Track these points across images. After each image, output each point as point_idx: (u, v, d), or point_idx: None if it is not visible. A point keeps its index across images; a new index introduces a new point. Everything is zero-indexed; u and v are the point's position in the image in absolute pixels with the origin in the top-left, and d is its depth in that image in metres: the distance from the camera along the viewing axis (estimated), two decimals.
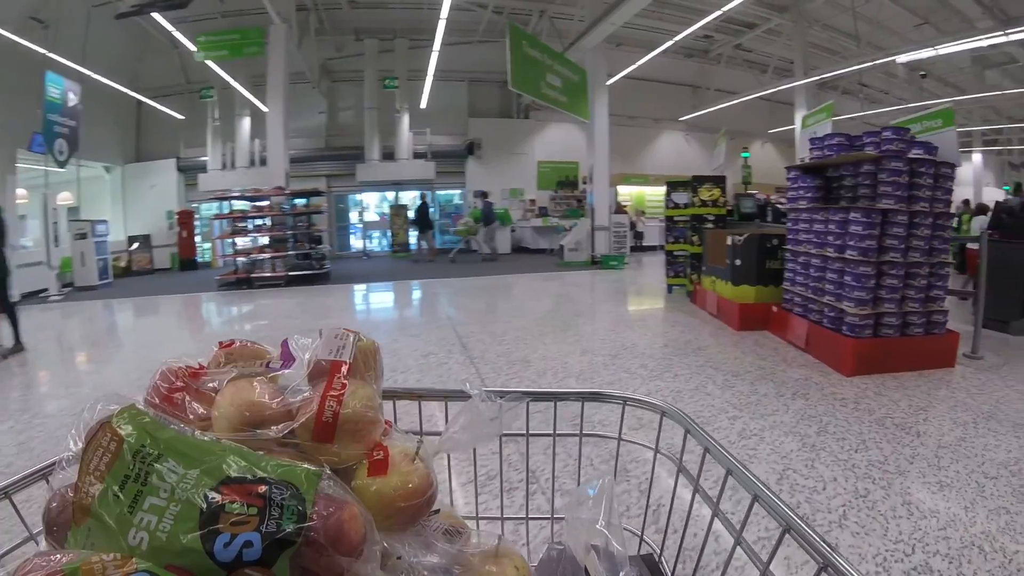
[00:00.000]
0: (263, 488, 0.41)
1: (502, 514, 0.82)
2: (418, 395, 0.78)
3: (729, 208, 7.89)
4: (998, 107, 16.59)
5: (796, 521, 0.47)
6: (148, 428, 0.43)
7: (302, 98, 13.37)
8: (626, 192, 15.78)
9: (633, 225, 13.64)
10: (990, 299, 4.35)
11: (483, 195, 12.93)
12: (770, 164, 17.95)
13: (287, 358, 0.60)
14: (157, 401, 0.56)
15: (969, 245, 7.04)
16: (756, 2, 11.25)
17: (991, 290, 4.34)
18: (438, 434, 0.61)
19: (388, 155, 14.07)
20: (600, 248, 10.80)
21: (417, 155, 14.19)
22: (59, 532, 0.43)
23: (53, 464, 0.52)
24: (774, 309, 4.72)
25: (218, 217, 9.81)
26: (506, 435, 0.73)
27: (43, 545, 0.47)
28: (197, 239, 13.22)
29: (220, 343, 0.66)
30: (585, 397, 0.79)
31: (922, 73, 13.95)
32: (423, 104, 13.56)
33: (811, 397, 3.16)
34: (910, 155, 3.81)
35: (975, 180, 18.67)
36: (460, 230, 12.74)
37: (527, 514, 0.82)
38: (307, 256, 9.63)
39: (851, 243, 3.80)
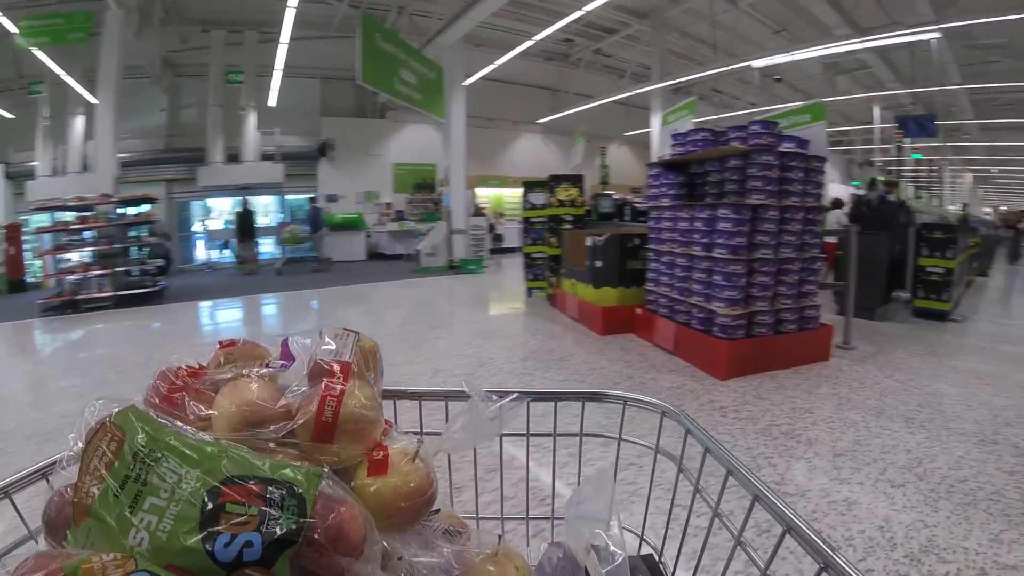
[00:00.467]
0: (263, 488, 0.41)
1: (502, 514, 0.82)
2: (418, 395, 0.78)
3: (587, 208, 7.80)
4: (845, 111, 17.89)
5: (796, 522, 0.47)
6: (148, 428, 0.43)
7: (141, 94, 12.03)
8: (485, 194, 15.48)
9: (492, 227, 13.14)
10: (855, 288, 4.41)
11: (312, 200, 12.05)
12: (626, 166, 18.66)
13: (287, 358, 0.60)
14: (157, 401, 0.56)
15: (827, 239, 7.18)
16: (617, 8, 11.21)
17: (856, 281, 4.41)
18: (438, 434, 0.61)
19: (233, 157, 12.78)
20: (458, 252, 10.39)
21: (265, 157, 12.98)
22: (59, 532, 0.43)
23: (53, 463, 0.52)
24: (638, 311, 4.59)
25: (41, 231, 8.47)
26: (506, 435, 0.73)
27: (43, 544, 0.47)
28: (27, 256, 10.87)
29: (220, 343, 0.66)
30: (585, 397, 0.79)
31: (777, 77, 14.28)
32: (272, 102, 12.54)
33: (688, 407, 3.02)
34: (780, 148, 3.72)
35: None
36: (286, 239, 12.02)
37: (527, 514, 0.82)
38: (141, 272, 8.43)
39: (720, 241, 3.62)
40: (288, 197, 14.10)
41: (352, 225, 13.17)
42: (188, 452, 0.42)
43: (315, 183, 13.98)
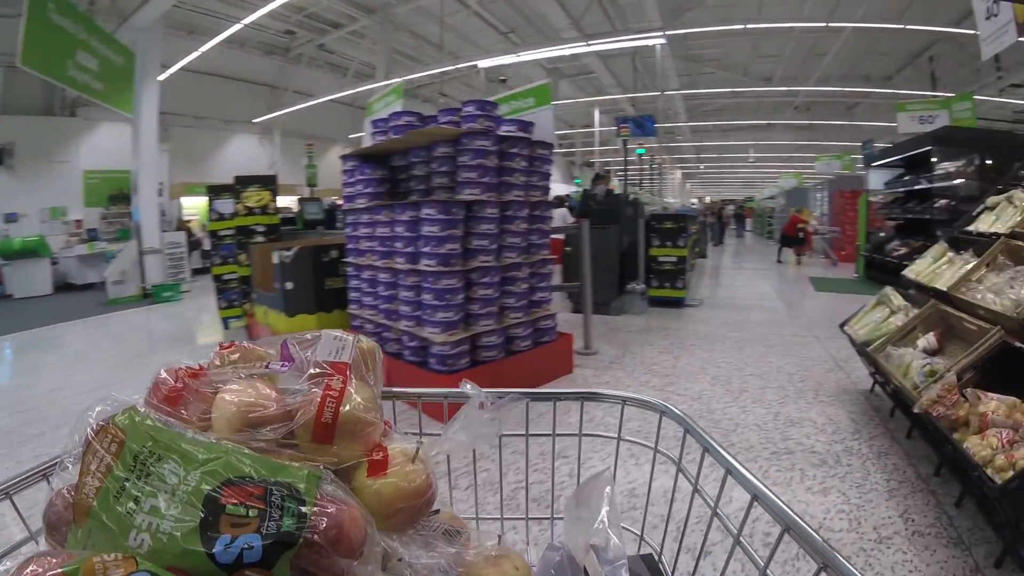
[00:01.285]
0: (263, 489, 0.41)
1: (502, 514, 0.83)
2: (418, 396, 0.78)
3: (288, 216, 6.86)
4: (567, 117, 18.68)
5: (796, 521, 0.47)
6: (149, 430, 0.43)
7: None
8: (192, 204, 12.99)
9: (199, 243, 11.19)
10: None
11: None
12: None
13: (287, 359, 0.60)
14: (157, 402, 0.56)
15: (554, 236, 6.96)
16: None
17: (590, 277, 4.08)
18: (438, 435, 0.61)
19: None
20: (152, 276, 8.34)
21: None
22: (60, 532, 0.43)
23: (54, 464, 0.53)
24: None
25: None
26: (505, 435, 0.73)
27: (43, 545, 0.47)
28: None
29: (220, 344, 0.66)
30: (584, 397, 0.79)
31: (503, 78, 14.28)
32: None
33: None
34: (500, 132, 3.15)
35: None
36: None
37: (527, 514, 0.82)
38: None
39: (427, 249, 2.91)
40: None
41: (32, 251, 9.60)
42: (188, 453, 0.42)
43: None
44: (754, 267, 11.16)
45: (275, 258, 4.11)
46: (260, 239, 5.39)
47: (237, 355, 0.64)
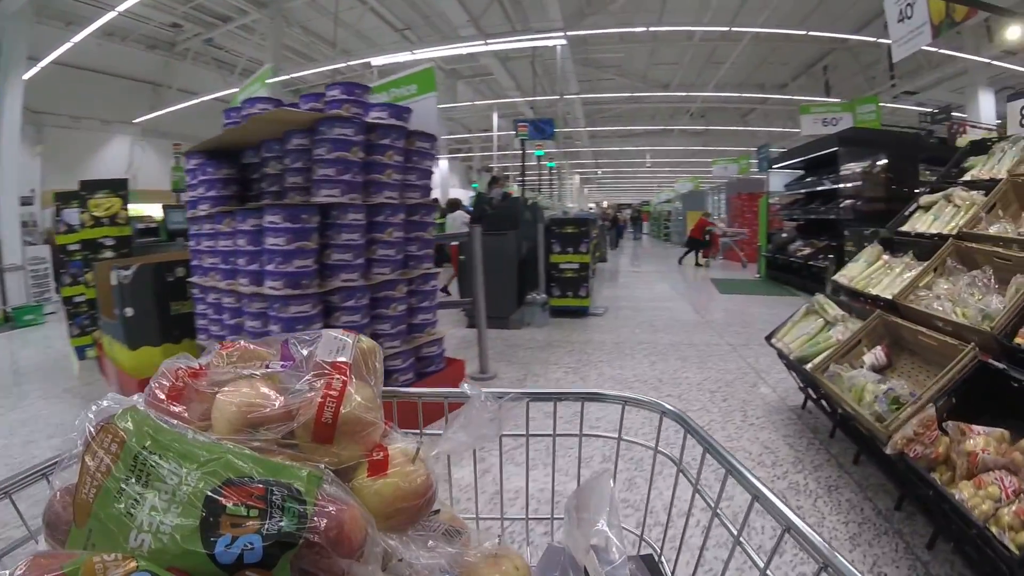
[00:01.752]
0: (264, 490, 0.41)
1: (502, 514, 0.83)
2: (418, 396, 0.78)
3: (146, 226, 6.13)
4: (466, 121, 18.48)
5: (796, 522, 0.47)
6: (149, 429, 0.43)
7: None
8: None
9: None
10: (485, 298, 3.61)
11: None
12: None
13: (287, 359, 0.60)
14: (157, 402, 0.56)
15: (452, 243, 6.46)
16: None
17: (485, 288, 3.60)
18: (438, 435, 0.61)
19: None
20: (15, 298, 7.26)
21: None
22: (60, 532, 0.43)
23: (54, 463, 0.53)
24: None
25: None
26: (506, 435, 0.73)
27: (43, 545, 0.47)
28: None
29: (221, 344, 0.66)
30: (585, 397, 0.79)
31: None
32: None
33: None
34: (369, 119, 2.61)
35: (442, 184, 19.51)
36: None
37: (527, 514, 0.82)
38: None
39: (271, 267, 2.33)
40: None
41: None
42: (189, 453, 0.42)
43: None
44: (655, 269, 11.26)
45: (113, 279, 3.34)
46: (109, 254, 4.57)
47: (237, 355, 0.64)
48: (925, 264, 2.24)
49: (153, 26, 10.94)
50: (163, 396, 0.56)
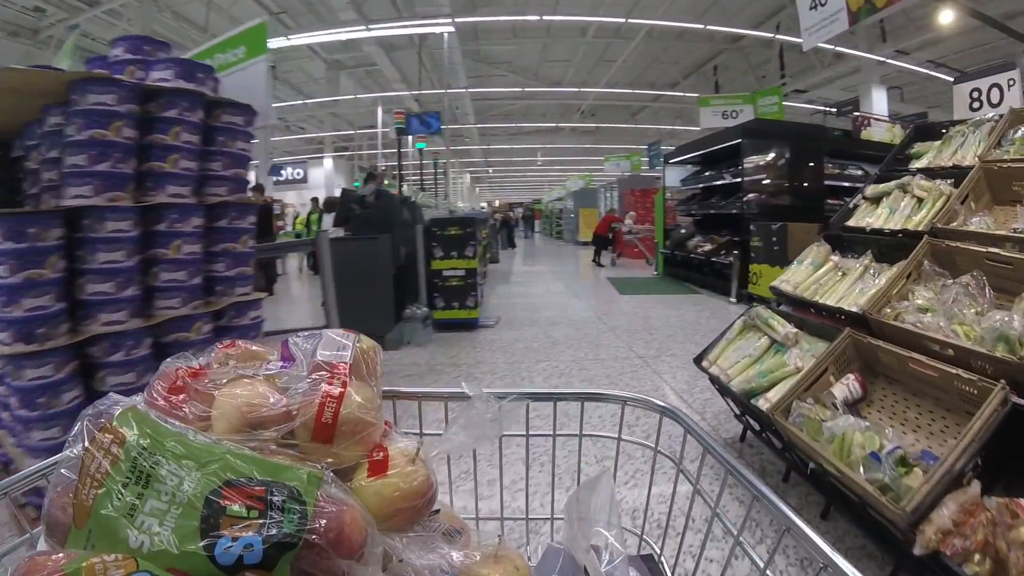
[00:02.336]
0: (264, 491, 0.41)
1: (502, 514, 0.83)
2: (418, 396, 0.78)
3: None
4: (349, 116, 17.71)
5: (796, 522, 0.47)
6: (149, 430, 0.43)
7: None
8: None
9: None
10: (348, 317, 2.88)
11: None
12: None
13: (287, 359, 0.60)
14: (157, 402, 0.56)
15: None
16: None
17: (347, 305, 3.01)
18: (438, 435, 0.61)
19: None
20: None
21: None
22: (60, 533, 0.43)
23: (54, 464, 0.52)
24: None
25: None
26: (506, 435, 0.73)
27: (42, 545, 0.47)
28: None
29: (220, 343, 0.66)
30: (585, 397, 0.79)
31: (271, 64, 13.94)
32: None
33: None
34: (148, 83, 1.77)
35: (327, 183, 19.21)
36: None
37: (527, 514, 0.82)
38: None
39: None
40: None
41: None
42: (189, 454, 0.42)
43: None
44: (550, 269, 11.00)
45: None
46: None
47: (237, 355, 0.64)
48: (896, 268, 1.86)
49: (15, 10, 10.01)
50: (163, 396, 0.56)
